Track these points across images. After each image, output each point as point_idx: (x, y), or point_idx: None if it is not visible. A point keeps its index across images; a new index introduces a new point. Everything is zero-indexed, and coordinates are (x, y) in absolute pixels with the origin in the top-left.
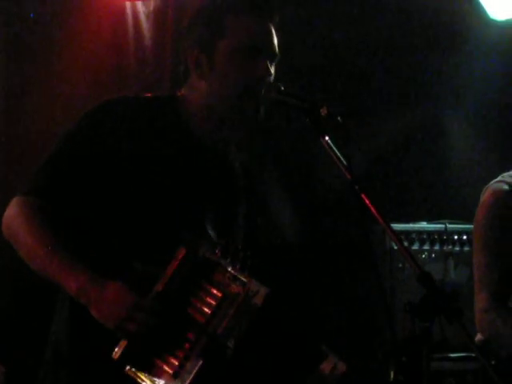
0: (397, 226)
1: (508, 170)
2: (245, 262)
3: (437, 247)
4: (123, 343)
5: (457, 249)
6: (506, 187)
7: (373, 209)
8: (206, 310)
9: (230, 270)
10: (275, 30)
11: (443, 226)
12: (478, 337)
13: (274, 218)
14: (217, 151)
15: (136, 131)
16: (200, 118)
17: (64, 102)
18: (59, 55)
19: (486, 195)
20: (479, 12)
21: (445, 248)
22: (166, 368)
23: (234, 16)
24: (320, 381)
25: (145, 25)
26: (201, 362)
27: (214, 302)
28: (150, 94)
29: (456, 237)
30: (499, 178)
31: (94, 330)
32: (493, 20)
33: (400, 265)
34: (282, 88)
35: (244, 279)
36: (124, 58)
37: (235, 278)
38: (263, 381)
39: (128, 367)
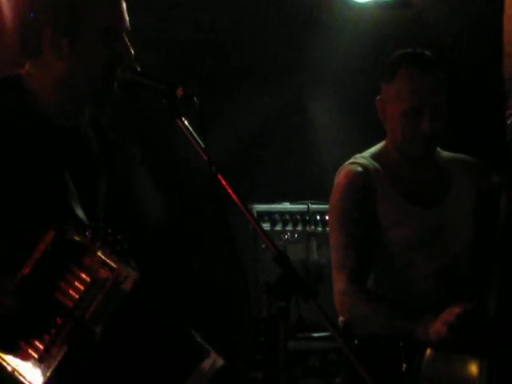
0: (259, 207)
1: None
2: (114, 247)
3: (299, 228)
4: None
5: (319, 229)
6: (359, 169)
7: (229, 189)
8: (74, 294)
9: (99, 254)
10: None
11: (306, 206)
12: (340, 318)
13: (137, 198)
14: (71, 129)
15: None
16: (52, 96)
17: None
18: None
19: (340, 177)
20: None
21: (307, 228)
22: (32, 352)
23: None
24: (200, 379)
25: None
26: (66, 347)
27: (82, 287)
28: None
29: (318, 217)
30: (352, 160)
31: None
32: (353, 1)
33: (263, 246)
34: (139, 69)
35: (113, 264)
36: None
37: (104, 263)
38: (136, 372)
39: None
